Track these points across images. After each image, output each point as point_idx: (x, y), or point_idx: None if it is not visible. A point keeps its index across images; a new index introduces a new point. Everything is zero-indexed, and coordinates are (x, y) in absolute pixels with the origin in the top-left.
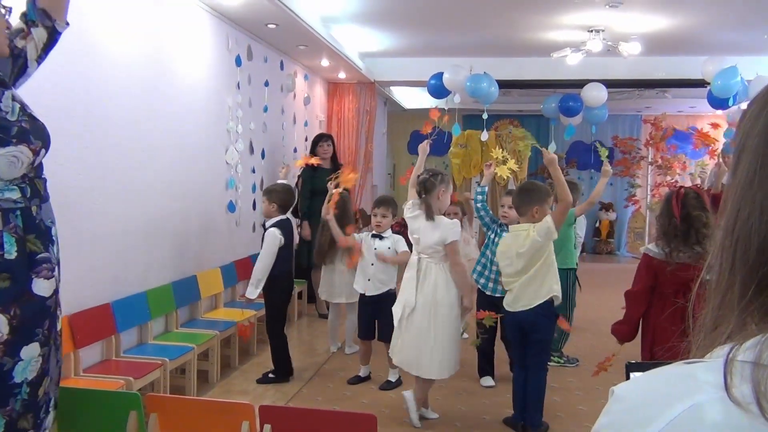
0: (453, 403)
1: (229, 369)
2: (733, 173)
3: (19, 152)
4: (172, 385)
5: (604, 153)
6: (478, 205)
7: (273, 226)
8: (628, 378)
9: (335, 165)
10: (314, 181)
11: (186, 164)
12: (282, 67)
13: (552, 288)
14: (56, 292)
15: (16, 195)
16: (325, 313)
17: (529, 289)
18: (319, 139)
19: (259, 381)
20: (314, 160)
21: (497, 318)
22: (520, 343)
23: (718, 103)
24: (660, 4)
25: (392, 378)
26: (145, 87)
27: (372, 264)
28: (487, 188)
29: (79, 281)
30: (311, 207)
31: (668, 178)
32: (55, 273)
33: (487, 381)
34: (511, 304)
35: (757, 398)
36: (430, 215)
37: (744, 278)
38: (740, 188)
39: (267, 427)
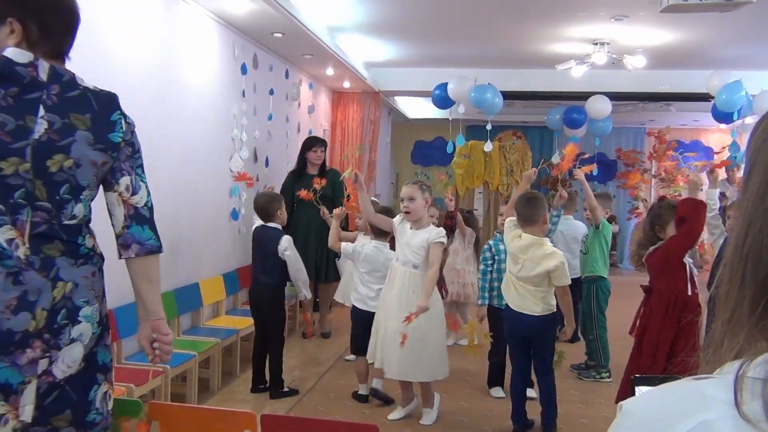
0: (456, 414)
1: (230, 377)
2: (744, 187)
3: None
4: (172, 392)
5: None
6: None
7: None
8: (633, 392)
9: (322, 171)
10: (296, 188)
11: (190, 171)
12: (287, 76)
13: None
14: None
15: None
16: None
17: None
18: (313, 144)
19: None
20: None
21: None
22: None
23: (723, 117)
24: (665, 19)
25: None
26: (151, 94)
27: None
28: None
29: None
30: (292, 217)
31: (671, 190)
32: None
33: (498, 392)
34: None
35: (767, 415)
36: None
37: (754, 293)
38: (751, 202)
39: None
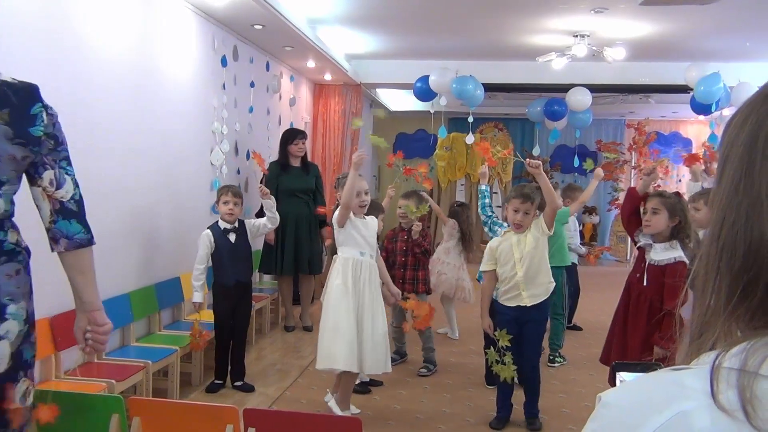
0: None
1: (212, 371)
2: (718, 181)
3: None
4: (154, 387)
5: (590, 164)
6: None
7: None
8: (613, 377)
9: (306, 165)
10: (281, 181)
11: (170, 165)
12: (268, 68)
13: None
14: None
15: None
16: (292, 326)
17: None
18: (295, 136)
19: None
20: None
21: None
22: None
23: (701, 108)
24: (644, 11)
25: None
26: (130, 87)
27: None
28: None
29: (60, 282)
30: (278, 209)
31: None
32: None
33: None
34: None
35: (742, 405)
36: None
37: (729, 285)
38: (725, 196)
39: (251, 430)
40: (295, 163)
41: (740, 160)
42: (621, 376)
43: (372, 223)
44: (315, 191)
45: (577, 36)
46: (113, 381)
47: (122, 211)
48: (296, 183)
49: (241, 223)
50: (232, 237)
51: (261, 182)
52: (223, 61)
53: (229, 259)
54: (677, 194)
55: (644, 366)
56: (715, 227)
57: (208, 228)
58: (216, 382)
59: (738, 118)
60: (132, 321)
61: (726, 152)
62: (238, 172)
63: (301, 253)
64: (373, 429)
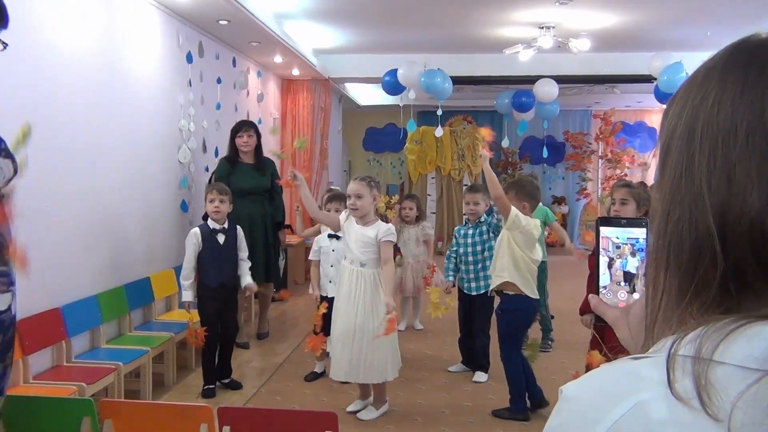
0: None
1: (185, 371)
2: (661, 173)
3: (6, 165)
4: (126, 389)
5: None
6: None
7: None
8: (597, 231)
9: (259, 160)
10: (231, 180)
11: (138, 163)
12: (234, 64)
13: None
14: (10, 308)
15: None
16: (245, 342)
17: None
18: (239, 128)
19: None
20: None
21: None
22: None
23: (665, 97)
24: (608, 2)
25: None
26: (94, 85)
27: (331, 266)
28: None
29: (27, 285)
30: (233, 211)
31: (618, 171)
32: (13, 288)
33: (481, 377)
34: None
35: (698, 392)
36: None
37: (680, 281)
38: (668, 191)
39: (226, 429)
40: (247, 159)
41: (680, 154)
42: (604, 231)
43: (357, 230)
44: (271, 190)
45: (542, 27)
46: (84, 384)
47: (88, 210)
48: (248, 182)
49: (234, 227)
50: (221, 238)
51: (209, 181)
52: (189, 58)
53: (213, 261)
54: (642, 184)
55: (629, 221)
56: (661, 223)
57: (197, 227)
58: (209, 387)
59: (675, 107)
60: (101, 323)
61: (666, 144)
62: (207, 170)
63: (254, 258)
64: (348, 423)
